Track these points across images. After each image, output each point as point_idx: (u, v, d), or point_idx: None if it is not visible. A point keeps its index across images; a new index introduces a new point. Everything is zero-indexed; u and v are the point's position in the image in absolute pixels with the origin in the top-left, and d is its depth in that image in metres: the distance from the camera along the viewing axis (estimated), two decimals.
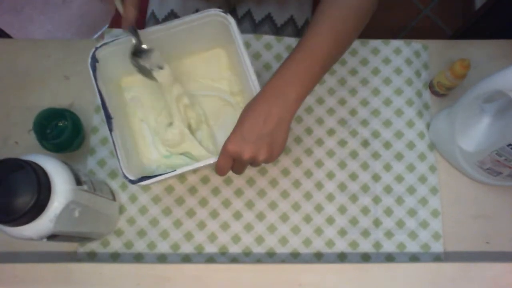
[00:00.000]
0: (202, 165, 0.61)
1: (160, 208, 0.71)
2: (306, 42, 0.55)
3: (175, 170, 0.61)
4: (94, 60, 0.64)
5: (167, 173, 0.61)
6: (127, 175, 0.60)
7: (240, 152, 0.55)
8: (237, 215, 0.71)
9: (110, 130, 0.62)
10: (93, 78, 0.64)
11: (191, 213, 0.71)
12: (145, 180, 0.60)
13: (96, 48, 0.65)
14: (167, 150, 0.70)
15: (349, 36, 0.58)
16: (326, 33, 0.55)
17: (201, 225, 0.71)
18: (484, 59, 0.77)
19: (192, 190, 0.72)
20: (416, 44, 0.78)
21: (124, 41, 0.65)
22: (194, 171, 0.72)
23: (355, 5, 0.57)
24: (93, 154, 0.73)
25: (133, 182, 0.60)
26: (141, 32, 0.65)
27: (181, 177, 0.72)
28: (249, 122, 0.55)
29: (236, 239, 0.70)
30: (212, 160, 0.60)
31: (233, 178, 0.72)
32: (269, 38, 0.79)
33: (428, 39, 0.80)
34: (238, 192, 0.72)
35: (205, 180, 0.72)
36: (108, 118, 0.62)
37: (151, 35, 0.65)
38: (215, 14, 0.66)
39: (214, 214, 0.71)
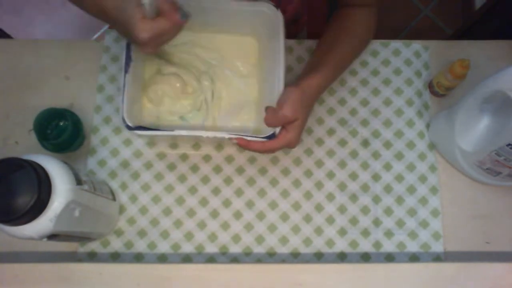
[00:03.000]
0: (204, 135, 0.61)
1: (161, 208, 0.71)
2: (335, 61, 0.66)
3: (171, 127, 0.61)
4: None
5: (164, 130, 0.61)
6: (126, 120, 0.60)
7: (295, 118, 0.60)
8: (237, 215, 0.71)
9: (126, 71, 0.62)
10: None
11: (191, 213, 0.71)
12: (142, 130, 0.61)
13: None
14: (166, 101, 0.70)
15: (355, 57, 0.72)
16: (346, 58, 0.68)
17: (202, 225, 0.71)
18: (484, 59, 0.77)
19: (192, 190, 0.72)
20: (416, 44, 0.79)
21: None
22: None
23: (362, 33, 0.70)
24: (94, 154, 0.73)
25: (130, 128, 0.60)
26: None
27: (181, 176, 0.72)
28: (304, 107, 0.61)
29: (236, 238, 0.70)
30: (215, 134, 0.61)
31: (233, 178, 0.72)
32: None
33: (428, 39, 0.80)
34: (239, 192, 0.72)
35: (205, 180, 0.72)
36: (128, 59, 0.62)
37: (204, 2, 0.65)
38: (266, 5, 0.66)
39: (214, 214, 0.71)
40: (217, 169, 0.73)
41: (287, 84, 0.63)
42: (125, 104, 0.61)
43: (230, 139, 0.61)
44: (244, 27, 0.71)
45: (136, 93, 0.68)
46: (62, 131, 0.70)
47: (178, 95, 0.70)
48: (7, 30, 1.00)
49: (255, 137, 0.61)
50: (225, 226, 0.71)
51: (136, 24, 0.52)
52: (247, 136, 0.61)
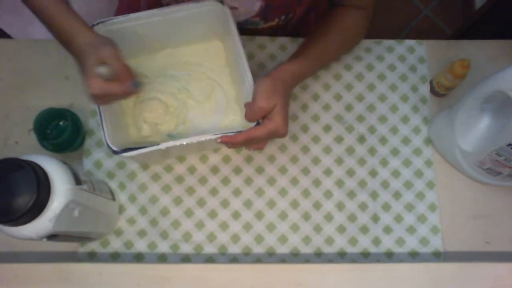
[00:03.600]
0: (188, 141, 0.61)
1: (158, 208, 0.71)
2: (315, 51, 0.67)
3: (158, 144, 0.61)
4: None
5: (150, 146, 0.61)
6: (110, 145, 0.60)
7: (272, 105, 0.60)
8: (236, 215, 0.71)
9: None
10: None
11: (189, 213, 0.71)
12: (128, 151, 0.60)
13: (93, 25, 0.64)
14: (149, 126, 0.70)
15: (340, 54, 0.74)
16: (329, 51, 0.69)
17: (200, 225, 0.70)
18: (484, 59, 0.77)
19: (190, 191, 0.72)
20: (410, 41, 0.79)
21: (122, 21, 0.65)
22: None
23: (352, 32, 0.71)
24: (88, 156, 0.73)
25: (116, 152, 0.60)
26: (136, 16, 0.65)
27: (179, 177, 0.72)
28: (279, 94, 0.60)
29: (235, 238, 0.70)
30: (199, 138, 0.61)
31: (230, 178, 0.72)
32: (262, 39, 0.79)
33: (428, 39, 0.80)
34: (236, 192, 0.72)
35: (202, 181, 0.72)
36: None
37: (146, 18, 0.66)
38: (213, 3, 0.66)
39: (212, 214, 0.71)
40: (214, 170, 0.73)
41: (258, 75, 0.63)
42: (106, 129, 0.61)
43: (215, 140, 0.61)
44: (200, 31, 0.71)
45: (119, 117, 0.68)
46: (62, 131, 0.70)
47: (162, 118, 0.70)
48: (7, 30, 1.00)
49: (237, 131, 0.61)
50: (223, 226, 0.70)
51: (88, 79, 0.55)
52: (229, 132, 0.61)
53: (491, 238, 0.70)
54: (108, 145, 0.60)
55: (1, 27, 0.99)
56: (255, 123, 0.61)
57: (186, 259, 0.69)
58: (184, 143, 0.61)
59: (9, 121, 0.75)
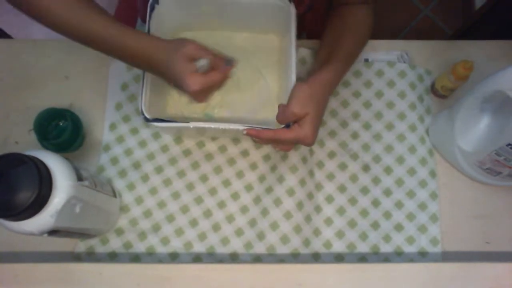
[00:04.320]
0: (214, 126, 0.62)
1: (165, 214, 0.71)
2: (342, 55, 0.65)
3: (188, 122, 0.63)
4: (155, 0, 0.65)
5: (181, 122, 0.63)
6: (144, 112, 0.62)
7: (304, 113, 0.60)
8: (239, 232, 0.70)
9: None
10: (148, 18, 0.65)
11: (194, 223, 0.70)
12: (159, 122, 0.62)
13: None
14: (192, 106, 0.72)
15: (360, 52, 0.70)
16: (352, 52, 0.68)
17: (202, 237, 0.70)
18: (484, 59, 0.77)
19: (198, 200, 0.71)
20: (420, 69, 0.77)
21: None
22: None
23: (365, 29, 0.70)
24: (108, 151, 0.73)
25: (148, 120, 0.62)
26: None
27: (189, 185, 0.72)
28: (314, 103, 0.60)
29: (234, 256, 0.69)
30: (228, 125, 0.62)
31: (240, 194, 0.72)
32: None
33: (428, 39, 0.80)
34: (244, 209, 0.71)
35: (212, 192, 0.72)
36: None
37: None
38: None
39: (216, 227, 0.70)
40: (226, 183, 0.72)
41: (300, 80, 0.63)
42: (144, 96, 0.63)
43: (242, 131, 0.62)
44: (260, 22, 0.72)
45: (160, 89, 0.69)
46: (62, 131, 0.70)
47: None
48: (7, 30, 1.00)
49: (266, 128, 0.61)
50: (225, 241, 0.70)
51: (187, 78, 0.56)
52: (257, 126, 0.61)
53: (491, 238, 0.70)
54: (142, 111, 0.62)
55: (1, 27, 0.99)
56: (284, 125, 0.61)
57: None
58: (216, 127, 0.63)
59: (9, 121, 0.75)
